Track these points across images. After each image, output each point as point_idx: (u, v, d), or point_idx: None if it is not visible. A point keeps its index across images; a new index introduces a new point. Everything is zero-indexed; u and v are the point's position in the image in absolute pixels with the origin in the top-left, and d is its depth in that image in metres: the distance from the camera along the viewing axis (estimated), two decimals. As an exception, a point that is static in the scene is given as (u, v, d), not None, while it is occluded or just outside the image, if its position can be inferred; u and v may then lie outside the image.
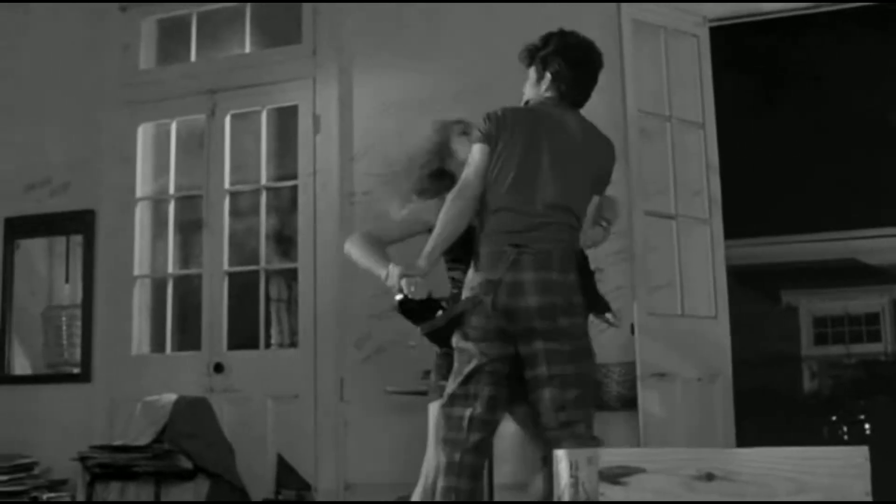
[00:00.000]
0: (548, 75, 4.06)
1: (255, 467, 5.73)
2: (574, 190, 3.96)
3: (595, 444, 3.71)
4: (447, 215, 3.89)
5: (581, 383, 3.80)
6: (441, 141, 4.41)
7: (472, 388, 3.79)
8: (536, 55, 4.12)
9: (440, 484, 3.84)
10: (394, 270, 3.91)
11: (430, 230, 4.03)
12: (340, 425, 5.77)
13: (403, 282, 3.86)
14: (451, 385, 3.86)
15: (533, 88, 4.14)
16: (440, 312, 3.90)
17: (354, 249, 4.14)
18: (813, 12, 5.42)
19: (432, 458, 4.19)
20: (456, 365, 3.86)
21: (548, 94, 4.07)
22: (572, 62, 4.07)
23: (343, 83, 6.01)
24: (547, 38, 4.16)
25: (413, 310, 3.90)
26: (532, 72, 4.14)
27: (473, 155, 3.92)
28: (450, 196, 3.92)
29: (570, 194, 3.94)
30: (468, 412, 3.79)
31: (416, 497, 4.22)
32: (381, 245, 4.15)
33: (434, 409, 4.20)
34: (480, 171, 3.88)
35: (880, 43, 7.02)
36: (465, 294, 3.85)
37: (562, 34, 4.18)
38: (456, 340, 3.86)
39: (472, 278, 3.85)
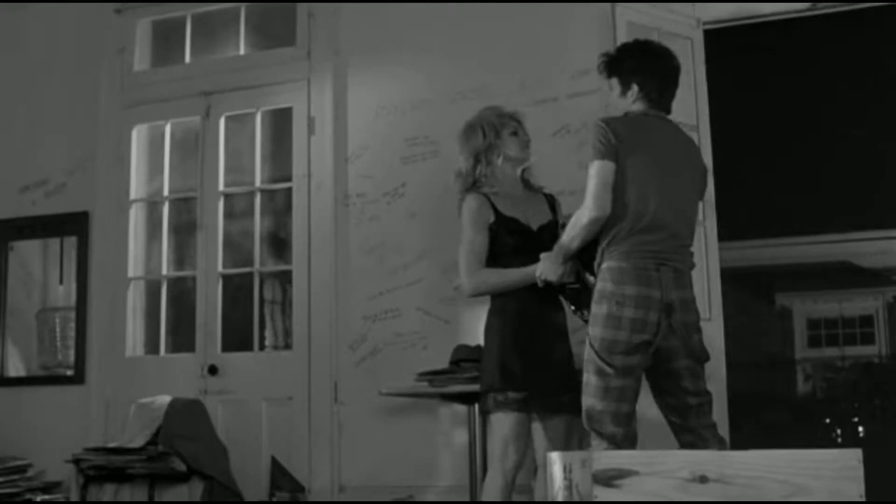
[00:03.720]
0: (634, 87, 4.10)
1: (249, 469, 5.72)
2: (693, 212, 4.14)
3: (725, 446, 4.02)
4: (580, 226, 3.96)
5: (710, 393, 4.04)
6: (494, 128, 4.41)
7: (624, 407, 3.89)
8: (618, 68, 4.16)
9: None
10: (542, 270, 4.12)
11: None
12: (335, 427, 5.76)
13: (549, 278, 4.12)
14: (595, 401, 3.91)
15: (619, 100, 4.17)
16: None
17: (484, 284, 4.29)
18: (808, 14, 5.42)
19: (497, 477, 4.21)
20: (601, 383, 3.88)
21: (637, 106, 4.11)
22: (656, 72, 4.12)
23: (337, 85, 6.01)
24: (625, 50, 4.23)
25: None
26: (615, 83, 4.18)
27: (599, 170, 3.91)
28: (584, 208, 3.94)
29: (691, 218, 4.12)
30: (621, 431, 3.89)
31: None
32: (483, 263, 4.30)
33: (497, 423, 4.22)
34: (610, 187, 3.90)
35: (875, 45, 7.02)
36: (604, 306, 3.88)
37: (639, 44, 4.25)
38: (604, 356, 3.87)
39: (613, 292, 3.87)
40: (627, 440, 3.92)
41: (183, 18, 6.54)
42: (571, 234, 4.01)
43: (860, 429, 9.38)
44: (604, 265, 3.95)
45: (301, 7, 6.16)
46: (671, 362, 3.94)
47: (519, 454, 4.19)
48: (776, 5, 5.40)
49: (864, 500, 2.60)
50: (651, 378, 4.03)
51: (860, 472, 2.60)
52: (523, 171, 4.48)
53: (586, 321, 4.02)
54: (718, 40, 5.46)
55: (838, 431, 9.48)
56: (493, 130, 4.40)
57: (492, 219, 4.30)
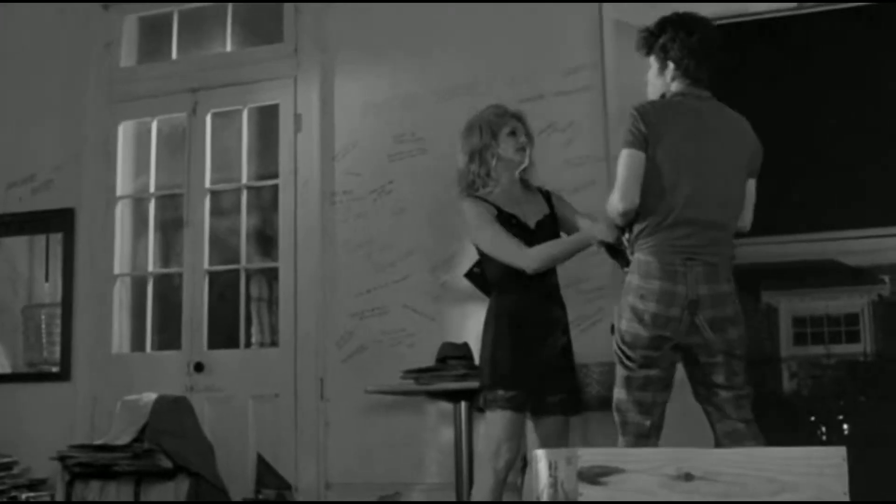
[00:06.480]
0: (671, 64, 3.91)
1: (235, 466, 5.72)
2: (737, 197, 3.95)
3: (761, 443, 3.86)
4: (613, 215, 3.87)
5: (749, 386, 3.92)
6: (490, 128, 4.38)
7: (648, 397, 3.80)
8: (655, 43, 3.96)
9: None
10: (598, 231, 4.10)
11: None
12: (321, 425, 5.76)
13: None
14: (619, 390, 3.84)
15: (658, 79, 3.98)
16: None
17: (548, 256, 4.21)
18: (799, 13, 5.43)
19: (489, 477, 4.19)
20: (624, 372, 3.82)
21: (676, 84, 3.92)
22: (691, 46, 3.89)
23: (324, 82, 6.01)
24: (663, 24, 3.97)
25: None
26: (653, 61, 3.98)
27: (627, 160, 3.79)
28: (613, 198, 3.83)
29: (735, 204, 3.94)
30: (648, 422, 3.81)
31: None
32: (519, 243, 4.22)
33: (490, 421, 4.21)
34: (638, 177, 3.78)
35: (864, 43, 7.03)
36: (630, 298, 3.79)
37: (678, 17, 3.98)
38: (625, 349, 3.80)
39: (639, 286, 3.77)
40: (654, 430, 3.83)
41: (170, 14, 6.53)
42: (612, 215, 3.92)
43: (845, 427, 9.40)
44: (634, 256, 3.86)
45: (288, 4, 6.15)
46: (701, 357, 3.83)
47: (511, 453, 4.17)
48: (764, 4, 5.41)
49: (848, 498, 2.60)
50: (686, 368, 3.93)
51: (845, 469, 2.60)
52: (522, 170, 4.44)
53: None
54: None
55: (823, 429, 9.50)
56: (489, 130, 4.36)
57: (495, 213, 4.28)
